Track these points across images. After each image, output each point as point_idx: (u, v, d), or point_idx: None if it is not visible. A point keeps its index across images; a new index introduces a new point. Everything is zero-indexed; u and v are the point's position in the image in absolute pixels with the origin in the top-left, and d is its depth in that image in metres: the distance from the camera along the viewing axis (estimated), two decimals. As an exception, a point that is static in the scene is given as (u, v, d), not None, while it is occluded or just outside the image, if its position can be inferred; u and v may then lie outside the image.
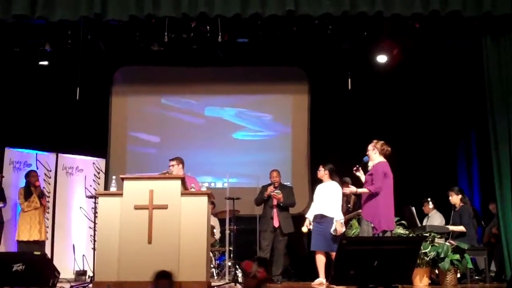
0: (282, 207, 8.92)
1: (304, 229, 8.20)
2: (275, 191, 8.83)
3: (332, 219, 7.88)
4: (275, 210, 8.89)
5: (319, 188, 8.28)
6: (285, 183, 9.48)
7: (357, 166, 7.53)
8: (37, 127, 10.51)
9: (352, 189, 7.47)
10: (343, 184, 8.25)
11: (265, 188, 9.07)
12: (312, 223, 8.14)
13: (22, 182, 9.71)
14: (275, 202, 8.87)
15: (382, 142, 7.38)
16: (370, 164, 7.36)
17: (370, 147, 7.38)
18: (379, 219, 7.09)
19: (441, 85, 10.56)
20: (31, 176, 9.49)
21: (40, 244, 9.30)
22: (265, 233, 8.93)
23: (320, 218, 8.04)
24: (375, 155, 7.34)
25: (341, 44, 9.33)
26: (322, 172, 8.30)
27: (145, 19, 7.97)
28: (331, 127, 10.88)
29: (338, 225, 7.88)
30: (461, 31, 8.75)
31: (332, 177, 8.23)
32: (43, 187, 9.81)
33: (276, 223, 8.87)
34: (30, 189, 9.38)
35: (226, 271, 8.80)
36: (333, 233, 7.82)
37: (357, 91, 9.03)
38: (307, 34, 9.28)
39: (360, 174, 7.54)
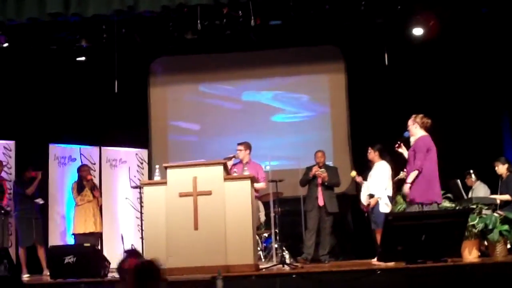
0: (327, 186, 8.96)
1: (353, 173, 8.62)
2: (320, 170, 8.88)
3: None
4: (319, 189, 8.95)
5: (372, 170, 8.44)
6: (327, 163, 9.48)
7: (399, 142, 7.47)
8: (79, 122, 10.67)
9: (406, 188, 7.17)
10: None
11: (309, 169, 9.12)
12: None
13: (68, 177, 9.90)
14: (319, 181, 8.91)
15: (422, 115, 7.24)
16: (412, 139, 7.27)
17: (410, 121, 7.27)
18: (427, 193, 6.95)
19: (481, 54, 10.33)
20: (82, 170, 9.66)
21: (96, 235, 9.49)
22: (311, 213, 8.99)
23: (370, 198, 8.22)
24: (416, 130, 7.22)
25: (375, 19, 9.22)
26: (372, 154, 8.42)
27: (177, 8, 7.99)
28: (370, 104, 10.76)
29: (373, 201, 8.15)
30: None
31: (382, 157, 8.33)
32: (94, 180, 9.95)
33: (321, 202, 8.93)
34: (83, 183, 9.54)
35: (273, 253, 8.83)
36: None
37: (395, 66, 8.94)
38: (340, 12, 9.20)
39: (403, 150, 7.47)
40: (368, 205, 8.43)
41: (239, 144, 8.80)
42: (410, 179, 7.01)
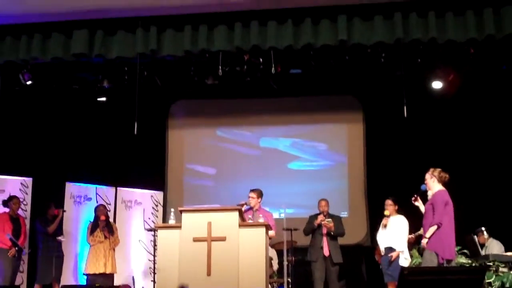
0: (332, 236, 8.89)
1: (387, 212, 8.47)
2: (326, 220, 8.81)
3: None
4: (325, 239, 8.88)
5: (389, 222, 8.40)
6: (342, 213, 9.44)
7: (415, 195, 7.45)
8: (96, 162, 10.74)
9: (423, 242, 7.19)
10: None
11: (313, 217, 9.06)
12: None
13: (83, 216, 9.92)
14: (324, 230, 8.84)
15: (440, 169, 7.28)
16: (429, 193, 7.25)
17: (427, 175, 7.29)
18: (443, 248, 6.95)
19: (499, 111, 10.32)
20: (97, 210, 9.71)
21: (107, 276, 9.45)
22: (316, 263, 8.89)
23: (389, 250, 8.15)
24: (433, 184, 7.24)
25: (395, 71, 9.26)
26: (393, 207, 8.46)
27: (199, 53, 8.09)
28: (387, 155, 10.74)
29: (395, 254, 8.10)
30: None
31: (399, 210, 8.27)
32: (110, 221, 9.92)
33: (326, 252, 8.84)
34: (98, 223, 9.55)
35: (285, 302, 8.73)
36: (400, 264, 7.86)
37: (413, 119, 8.91)
38: (360, 63, 9.24)
39: (419, 204, 7.46)
40: (381, 255, 8.40)
41: (252, 190, 8.76)
42: (429, 234, 6.98)
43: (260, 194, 8.77)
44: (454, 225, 7.11)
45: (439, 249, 6.96)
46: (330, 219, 8.84)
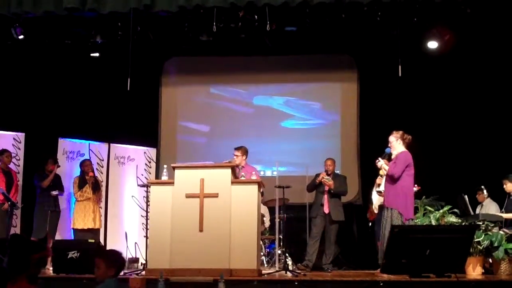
0: (333, 195, 8.92)
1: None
2: (326, 178, 8.84)
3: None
4: (325, 197, 8.91)
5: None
6: (336, 171, 9.46)
7: (379, 158, 7.54)
8: (89, 118, 10.69)
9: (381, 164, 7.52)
10: None
11: (318, 175, 9.11)
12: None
13: (76, 172, 9.91)
14: (326, 188, 8.88)
15: (402, 131, 7.50)
16: (394, 153, 7.47)
17: (391, 138, 7.53)
18: (407, 208, 7.20)
19: (496, 69, 10.29)
20: (84, 166, 9.66)
21: (95, 232, 9.49)
22: (315, 220, 8.95)
23: (381, 208, 8.13)
24: (398, 145, 7.48)
25: (390, 30, 9.21)
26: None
27: (194, 9, 8.00)
28: (380, 115, 10.73)
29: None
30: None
31: None
32: (96, 176, 9.96)
33: (326, 210, 8.88)
34: (85, 178, 9.56)
35: (276, 259, 8.83)
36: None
37: (408, 78, 8.90)
38: (355, 21, 9.18)
39: (383, 163, 7.56)
40: (374, 214, 8.43)
41: (236, 149, 8.71)
42: (385, 166, 7.42)
43: (245, 151, 8.73)
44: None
45: (403, 209, 7.19)
46: (329, 177, 8.88)
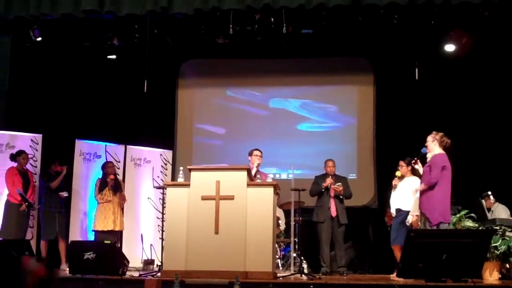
0: (340, 198, 8.92)
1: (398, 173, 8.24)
2: (336, 184, 8.81)
3: (407, 212, 7.77)
4: (332, 200, 8.90)
5: (401, 184, 8.25)
6: (351, 175, 9.44)
7: (415, 158, 7.45)
8: (106, 119, 10.75)
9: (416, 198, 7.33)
10: None
11: (318, 178, 9.07)
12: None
13: (92, 173, 9.96)
14: (332, 193, 8.86)
15: (442, 133, 7.29)
16: (429, 155, 7.27)
17: (429, 138, 7.33)
18: (433, 211, 7.01)
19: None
20: (107, 167, 9.66)
21: (115, 233, 9.51)
22: (323, 224, 8.93)
23: (397, 212, 8.08)
24: (434, 147, 7.28)
25: (407, 33, 9.17)
26: (405, 169, 8.21)
27: (210, 12, 8.03)
28: (397, 118, 10.69)
29: (414, 220, 7.55)
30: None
31: (414, 171, 8.13)
32: (118, 177, 9.90)
33: (334, 213, 8.88)
34: (106, 180, 9.58)
35: (291, 262, 8.81)
36: (408, 225, 7.72)
37: (425, 81, 8.86)
38: (372, 24, 9.15)
39: (419, 167, 7.47)
40: (391, 218, 8.37)
41: (258, 149, 8.74)
42: (420, 188, 7.17)
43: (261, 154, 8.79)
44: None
45: (428, 212, 7.03)
46: (340, 183, 8.85)
